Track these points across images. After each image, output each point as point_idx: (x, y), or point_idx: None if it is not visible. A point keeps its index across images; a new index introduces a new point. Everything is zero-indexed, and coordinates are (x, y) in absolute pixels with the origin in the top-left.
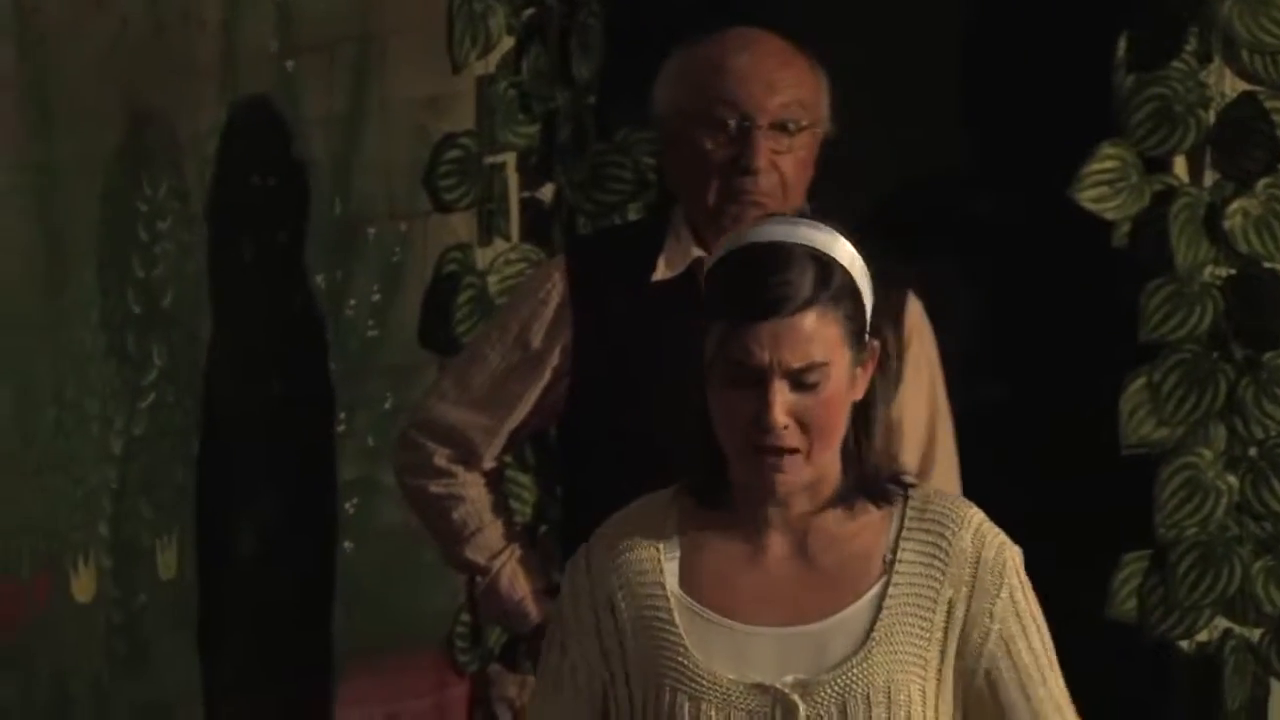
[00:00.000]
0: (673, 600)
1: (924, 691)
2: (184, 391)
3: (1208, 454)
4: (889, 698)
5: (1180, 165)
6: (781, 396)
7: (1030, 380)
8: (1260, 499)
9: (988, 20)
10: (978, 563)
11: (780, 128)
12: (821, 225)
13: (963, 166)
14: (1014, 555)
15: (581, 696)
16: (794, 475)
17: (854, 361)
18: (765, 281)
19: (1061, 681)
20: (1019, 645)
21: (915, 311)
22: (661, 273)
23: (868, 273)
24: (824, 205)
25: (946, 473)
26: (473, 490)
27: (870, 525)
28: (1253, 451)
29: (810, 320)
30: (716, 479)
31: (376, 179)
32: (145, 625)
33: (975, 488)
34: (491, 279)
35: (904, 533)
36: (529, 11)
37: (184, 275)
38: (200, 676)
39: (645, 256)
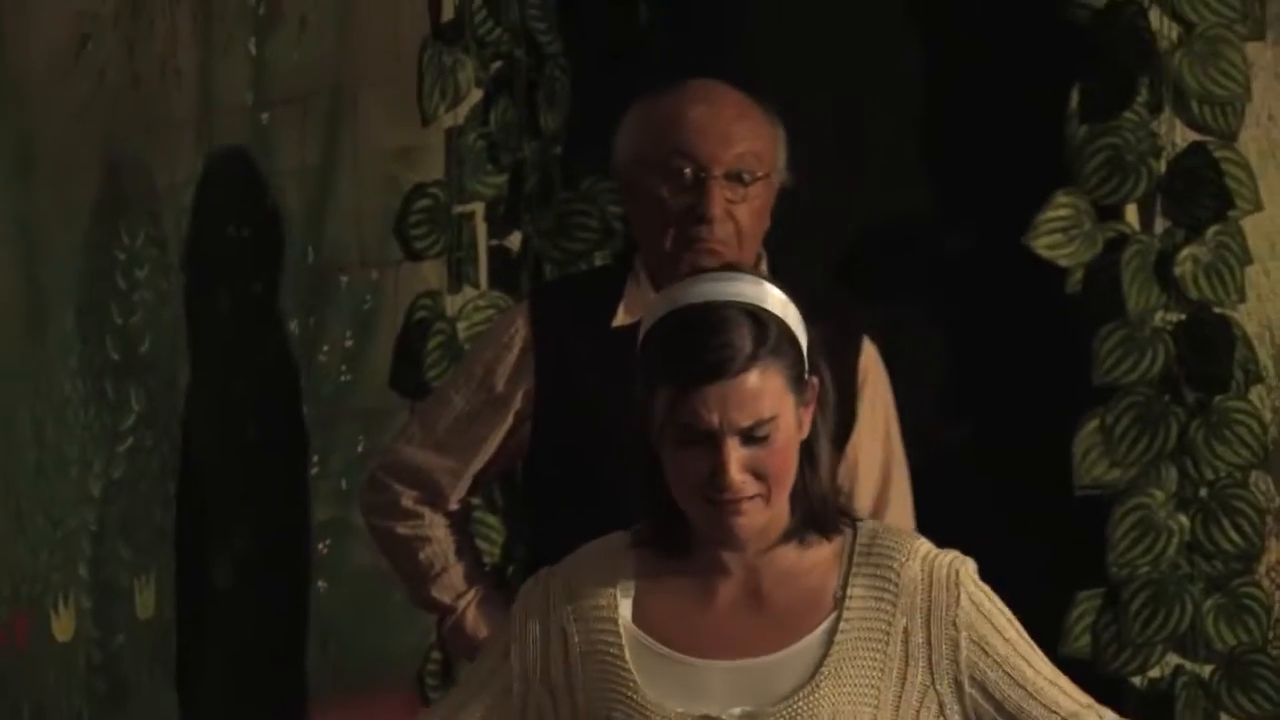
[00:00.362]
0: (624, 634)
1: None
2: (161, 436)
3: (1159, 494)
4: None
5: (1132, 213)
6: (735, 454)
7: (986, 422)
8: (1210, 538)
9: (945, 72)
10: (930, 586)
11: (735, 178)
12: (747, 275)
13: (920, 214)
14: (966, 566)
15: (507, 705)
16: (753, 519)
17: (798, 405)
18: (706, 345)
19: (1047, 661)
20: (993, 641)
21: (870, 355)
22: (621, 319)
23: (799, 313)
24: (781, 252)
25: (901, 512)
26: (438, 531)
27: (821, 560)
28: (1203, 492)
29: (754, 378)
30: (671, 528)
31: (349, 228)
32: (124, 664)
33: (931, 527)
34: (461, 325)
35: (853, 568)
36: (497, 65)
37: (161, 322)
38: (178, 714)
39: (606, 302)
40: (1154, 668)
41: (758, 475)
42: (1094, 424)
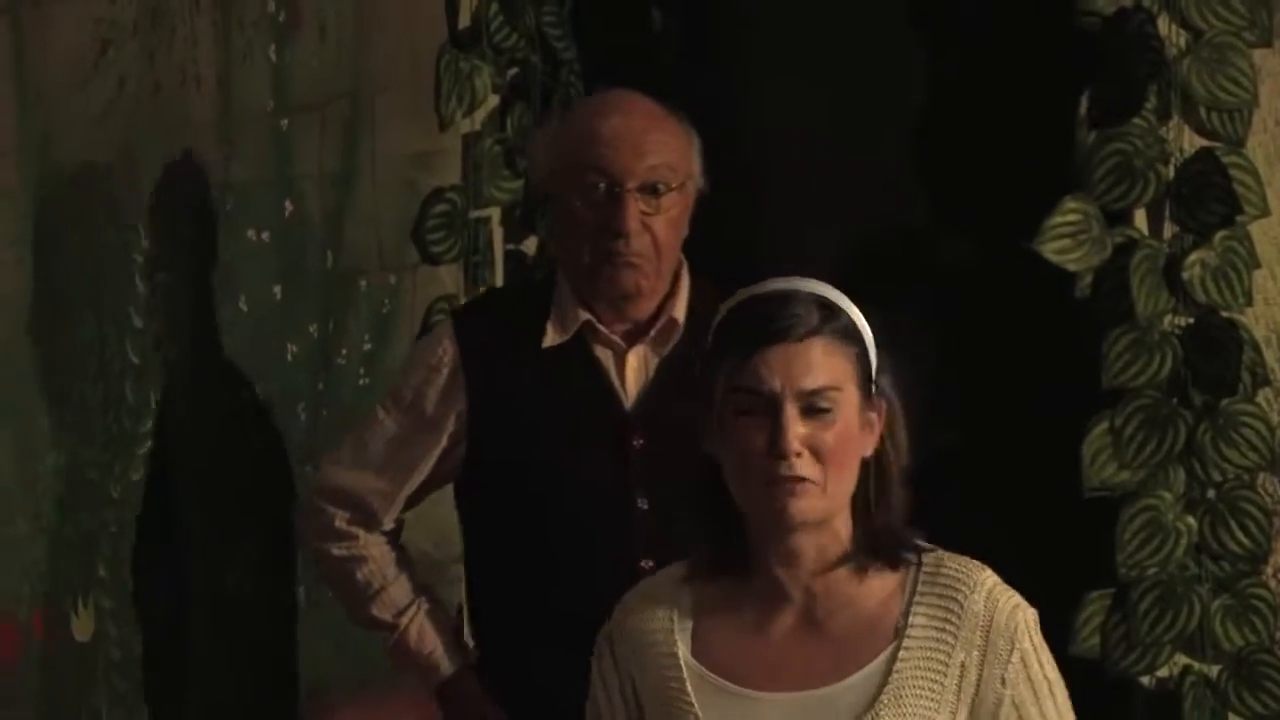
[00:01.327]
0: (686, 670)
1: None
2: (180, 439)
3: (1168, 496)
4: None
5: (1140, 218)
6: (794, 423)
7: (997, 426)
8: (1218, 539)
9: (955, 76)
10: (990, 626)
11: (649, 190)
12: (829, 286)
13: (929, 219)
14: (1028, 617)
15: None
16: (809, 502)
17: (862, 406)
18: (773, 314)
19: None
20: (1030, 711)
21: None
22: (551, 339)
23: (872, 335)
24: (790, 257)
25: None
26: (374, 550)
27: (882, 588)
28: (1211, 494)
29: (819, 347)
30: (730, 547)
31: (367, 232)
32: (143, 662)
33: (942, 530)
34: None
35: (917, 597)
36: (513, 71)
37: (181, 326)
38: (193, 710)
39: (534, 321)
40: (1162, 668)
41: (816, 454)
42: (1103, 427)
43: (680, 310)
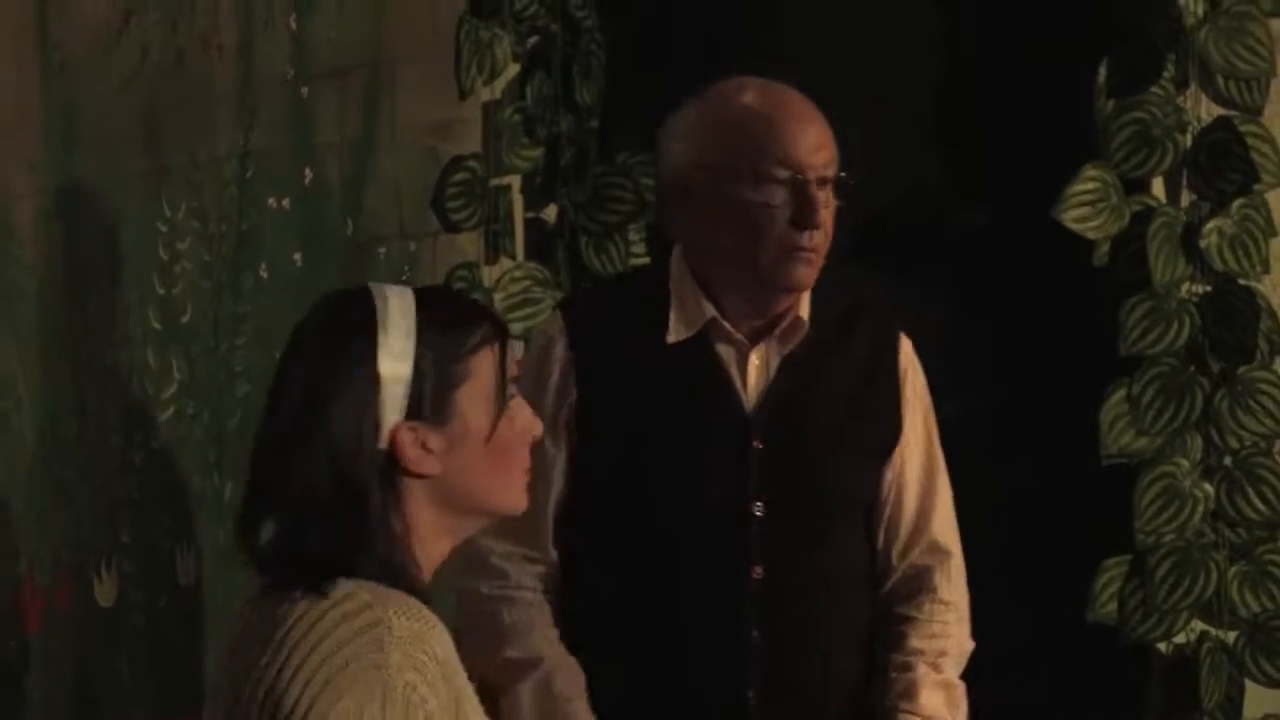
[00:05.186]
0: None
1: None
2: (202, 404)
3: (1185, 463)
4: None
5: (1158, 186)
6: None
7: (1015, 393)
8: (1235, 507)
9: (974, 46)
10: None
11: (827, 183)
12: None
13: (949, 187)
14: None
15: None
16: None
17: None
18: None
19: None
20: None
21: (907, 353)
22: (675, 334)
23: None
24: None
25: (944, 517)
26: (525, 594)
27: None
28: (1228, 461)
29: None
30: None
31: (387, 200)
32: (164, 627)
33: (962, 498)
34: (497, 296)
35: None
36: (533, 40)
37: (202, 292)
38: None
39: (650, 315)
40: (1179, 634)
41: None
42: (1120, 394)
43: (805, 308)
